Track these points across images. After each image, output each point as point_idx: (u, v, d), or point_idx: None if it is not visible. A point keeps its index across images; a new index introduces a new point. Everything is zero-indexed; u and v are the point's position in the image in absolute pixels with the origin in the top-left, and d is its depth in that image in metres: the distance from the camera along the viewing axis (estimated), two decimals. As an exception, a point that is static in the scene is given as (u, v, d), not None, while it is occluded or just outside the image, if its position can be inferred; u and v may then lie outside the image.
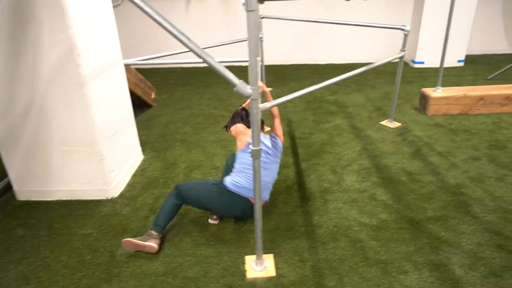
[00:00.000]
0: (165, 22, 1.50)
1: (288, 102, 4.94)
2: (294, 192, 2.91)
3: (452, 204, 2.66)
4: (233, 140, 3.69)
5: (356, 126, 4.10)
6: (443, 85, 4.40)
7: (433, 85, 5.28)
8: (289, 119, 4.38)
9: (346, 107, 4.69)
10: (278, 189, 2.93)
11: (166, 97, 5.36)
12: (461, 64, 6.48)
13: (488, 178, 2.99)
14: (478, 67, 6.27)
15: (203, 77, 6.32)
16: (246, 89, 1.64)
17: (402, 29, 3.65)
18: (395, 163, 3.29)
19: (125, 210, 2.73)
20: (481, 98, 4.24)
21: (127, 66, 4.12)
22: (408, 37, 6.78)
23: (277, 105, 2.26)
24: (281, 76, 6.21)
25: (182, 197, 2.37)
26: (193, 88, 5.75)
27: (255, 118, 1.73)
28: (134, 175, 3.23)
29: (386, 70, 6.38)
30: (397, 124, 4.11)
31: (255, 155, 1.81)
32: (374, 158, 3.39)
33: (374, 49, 6.90)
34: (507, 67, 5.45)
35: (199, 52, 1.55)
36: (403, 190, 2.87)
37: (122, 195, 2.94)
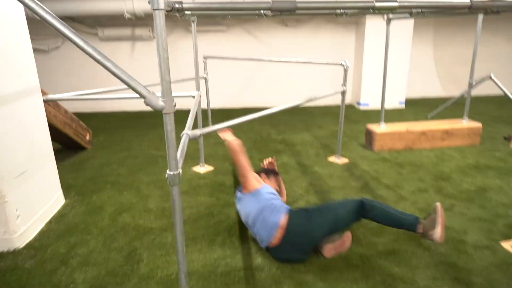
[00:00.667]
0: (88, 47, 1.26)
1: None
2: (235, 232, 2.59)
3: (403, 237, 2.47)
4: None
5: (303, 163, 3.95)
6: (387, 123, 4.45)
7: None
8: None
9: (293, 145, 4.57)
10: (218, 229, 2.61)
11: (104, 139, 4.97)
12: (403, 106, 6.75)
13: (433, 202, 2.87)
14: (418, 108, 6.56)
15: (148, 120, 6.03)
16: (158, 101, 1.40)
17: (342, 65, 3.68)
18: (343, 197, 3.11)
19: (29, 263, 2.25)
20: (423, 133, 4.30)
21: (55, 103, 3.76)
22: (353, 80, 7.07)
23: (210, 132, 2.05)
24: (228, 119, 6.05)
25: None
26: (135, 130, 5.42)
27: (170, 136, 1.48)
28: (50, 222, 2.76)
29: (333, 111, 6.47)
30: (345, 160, 4.01)
31: (172, 181, 1.53)
32: (321, 194, 3.19)
33: (323, 91, 7.04)
34: (444, 105, 5.71)
35: (115, 70, 1.30)
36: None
37: (29, 245, 2.45)
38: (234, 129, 4.98)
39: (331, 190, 3.26)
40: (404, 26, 6.29)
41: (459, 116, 4.62)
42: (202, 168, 3.81)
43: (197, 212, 2.91)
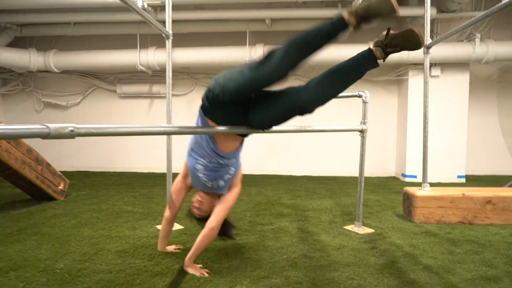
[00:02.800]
0: None
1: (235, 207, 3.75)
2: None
3: None
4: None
5: (307, 230, 2.81)
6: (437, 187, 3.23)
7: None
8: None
9: (304, 211, 3.45)
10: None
11: (86, 193, 4.25)
12: (463, 179, 5.36)
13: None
14: (484, 183, 5.12)
15: (148, 180, 5.31)
16: None
17: (360, 96, 2.75)
18: (349, 279, 1.90)
19: None
20: (489, 200, 2.99)
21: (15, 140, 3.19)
22: (397, 148, 5.92)
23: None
24: (245, 183, 5.13)
25: None
26: (127, 188, 4.68)
27: None
28: None
29: (371, 182, 5.28)
30: (369, 230, 2.80)
31: None
32: (315, 270, 2.02)
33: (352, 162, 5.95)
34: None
35: None
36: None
37: None
38: (243, 194, 4.07)
39: (332, 266, 2.07)
40: (459, 86, 5.28)
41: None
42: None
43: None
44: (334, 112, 5.90)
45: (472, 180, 5.40)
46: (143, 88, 5.99)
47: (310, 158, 6.03)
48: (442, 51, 4.94)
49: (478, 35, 5.05)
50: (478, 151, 5.99)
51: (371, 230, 2.80)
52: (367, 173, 5.92)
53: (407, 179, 5.43)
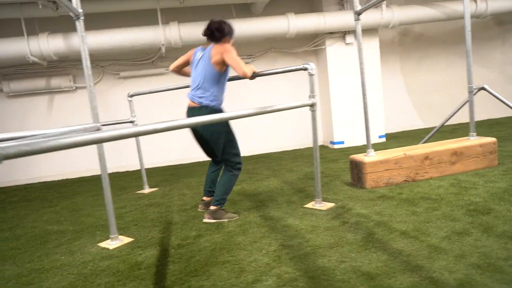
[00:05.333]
0: None
1: (175, 200, 3.42)
2: None
3: None
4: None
5: (271, 216, 2.66)
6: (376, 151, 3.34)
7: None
8: (169, 221, 2.80)
9: (255, 195, 3.30)
10: None
11: (-11, 219, 3.48)
12: (383, 139, 5.76)
13: (504, 261, 1.63)
14: (402, 140, 5.57)
15: (69, 188, 4.60)
16: None
17: (306, 69, 2.62)
18: (340, 262, 1.81)
19: None
20: (426, 157, 3.19)
21: None
22: (322, 118, 6.09)
23: None
24: (176, 175, 4.77)
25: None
26: (43, 202, 3.97)
27: None
28: None
29: (304, 154, 5.36)
30: (329, 205, 2.77)
31: None
32: (302, 260, 1.88)
33: (288, 137, 5.99)
34: (431, 133, 4.74)
35: None
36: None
37: None
38: (183, 187, 3.89)
39: (317, 252, 1.96)
40: (371, 52, 5.55)
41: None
42: (114, 242, 2.43)
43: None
44: (258, 90, 5.79)
45: (391, 138, 5.85)
46: (39, 83, 5.08)
47: (239, 138, 5.86)
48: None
49: (384, 1, 5.33)
50: (390, 111, 6.50)
51: (331, 204, 2.77)
52: (297, 145, 6.03)
53: (336, 146, 5.64)
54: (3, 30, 4.81)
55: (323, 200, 2.86)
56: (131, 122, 3.84)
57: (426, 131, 6.28)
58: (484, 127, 5.89)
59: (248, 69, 2.49)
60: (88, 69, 2.35)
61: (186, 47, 5.33)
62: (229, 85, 2.80)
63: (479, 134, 4.39)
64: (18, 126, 5.22)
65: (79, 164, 5.41)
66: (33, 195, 4.40)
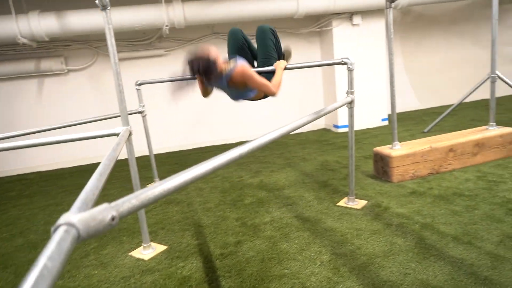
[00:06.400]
0: None
1: (194, 197, 3.28)
2: None
3: None
4: None
5: (305, 217, 2.58)
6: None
7: (370, 146, 4.24)
8: (198, 223, 2.68)
9: (280, 190, 3.21)
10: None
11: (-8, 220, 3.25)
12: (386, 122, 5.75)
13: None
14: (405, 122, 5.57)
15: (70, 181, 4.37)
16: None
17: (345, 63, 2.48)
18: (404, 275, 1.76)
19: None
20: (451, 149, 3.17)
21: None
22: (325, 100, 5.98)
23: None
24: (181, 165, 4.60)
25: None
26: (46, 198, 3.74)
27: None
28: None
29: (310, 139, 5.28)
30: (363, 202, 2.72)
31: None
32: (362, 272, 1.82)
33: (292, 115, 5.87)
34: (441, 117, 4.76)
35: None
36: None
37: None
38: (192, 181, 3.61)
39: (375, 262, 1.90)
40: (377, 33, 5.41)
41: (459, 127, 3.60)
42: (148, 252, 2.30)
43: None
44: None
45: (393, 121, 5.83)
46: (27, 65, 4.68)
47: (241, 123, 5.70)
48: (363, -1, 4.94)
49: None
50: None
51: (364, 202, 2.72)
52: (300, 129, 5.93)
53: (340, 130, 5.58)
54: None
55: (355, 197, 2.81)
56: (140, 112, 3.61)
57: (424, 112, 6.31)
58: (481, 108, 5.96)
59: (277, 83, 2.28)
60: (116, 65, 2.12)
61: (190, 28, 5.03)
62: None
63: (480, 116, 4.44)
64: (5, 113, 4.85)
65: (74, 152, 5.13)
66: (32, 190, 4.14)
